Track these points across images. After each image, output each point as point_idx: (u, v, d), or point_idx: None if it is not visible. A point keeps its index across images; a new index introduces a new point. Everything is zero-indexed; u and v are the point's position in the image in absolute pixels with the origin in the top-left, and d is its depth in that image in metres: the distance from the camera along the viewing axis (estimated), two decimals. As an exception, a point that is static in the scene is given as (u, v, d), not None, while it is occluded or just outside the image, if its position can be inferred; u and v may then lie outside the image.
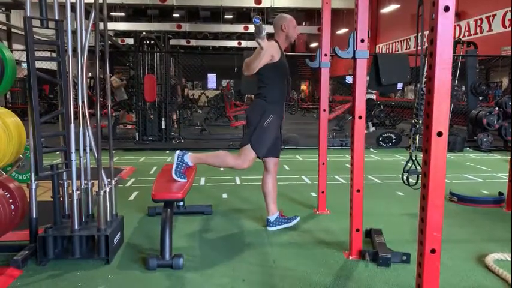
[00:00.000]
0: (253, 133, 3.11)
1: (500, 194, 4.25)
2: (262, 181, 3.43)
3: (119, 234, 3.00)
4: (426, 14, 1.86)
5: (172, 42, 20.90)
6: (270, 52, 2.94)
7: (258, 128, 3.11)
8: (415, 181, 3.43)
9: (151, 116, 8.80)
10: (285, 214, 3.55)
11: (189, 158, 3.11)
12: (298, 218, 3.51)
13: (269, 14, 23.36)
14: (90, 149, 2.88)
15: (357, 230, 2.83)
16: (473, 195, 4.37)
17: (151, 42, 9.07)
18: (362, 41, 2.71)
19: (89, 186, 2.92)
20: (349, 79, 19.20)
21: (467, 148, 8.07)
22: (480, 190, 4.83)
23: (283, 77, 3.23)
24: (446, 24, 1.70)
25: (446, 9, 1.70)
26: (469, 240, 3.24)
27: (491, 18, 12.54)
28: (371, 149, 7.99)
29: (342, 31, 21.64)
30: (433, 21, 1.73)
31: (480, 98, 9.32)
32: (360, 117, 2.76)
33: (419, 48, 3.43)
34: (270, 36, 2.88)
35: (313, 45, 28.02)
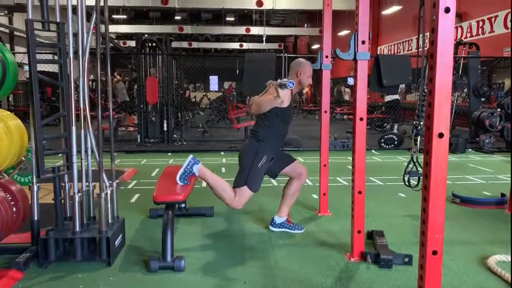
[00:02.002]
0: (248, 176, 3.11)
1: (503, 195, 4.24)
2: (286, 182, 3.45)
3: (120, 237, 3.00)
4: (427, 16, 1.85)
5: (174, 44, 20.93)
6: (282, 99, 2.93)
7: (252, 170, 3.11)
8: (416, 182, 3.43)
9: (153, 118, 8.80)
10: (291, 219, 3.53)
11: (198, 169, 3.09)
12: (303, 230, 3.45)
13: (270, 16, 23.41)
14: (92, 151, 2.89)
15: (359, 232, 2.82)
16: (476, 197, 4.36)
17: (153, 44, 9.08)
18: (363, 42, 2.71)
19: (91, 189, 2.93)
20: (350, 80, 19.19)
21: (470, 149, 8.05)
22: (482, 191, 4.82)
23: (285, 123, 3.25)
24: (446, 25, 1.70)
25: (447, 10, 1.70)
26: (471, 242, 3.23)
27: (493, 20, 12.51)
28: (373, 151, 7.98)
29: (344, 33, 21.63)
30: (433, 22, 1.73)
31: (482, 99, 9.29)
32: (361, 119, 2.76)
33: (420, 49, 3.43)
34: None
35: (315, 46, 28.01)
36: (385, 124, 11.60)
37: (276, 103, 2.88)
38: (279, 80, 2.72)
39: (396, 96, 11.51)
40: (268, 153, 3.16)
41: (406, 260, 2.75)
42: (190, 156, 3.13)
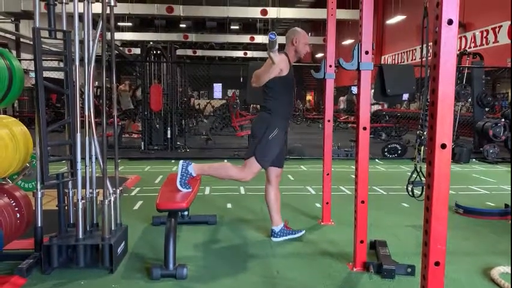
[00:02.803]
0: (257, 146, 3.12)
1: (506, 206, 4.22)
2: (264, 192, 3.44)
3: (123, 244, 3.00)
4: (431, 26, 1.87)
5: (179, 52, 21.04)
6: (280, 66, 2.96)
7: (262, 140, 3.11)
8: (419, 192, 3.42)
9: (157, 125, 8.83)
10: (290, 225, 3.53)
11: (193, 168, 3.12)
12: (304, 232, 3.47)
13: (275, 25, 23.51)
14: (96, 158, 2.90)
15: (361, 242, 2.82)
16: (479, 207, 4.34)
17: (158, 52, 9.14)
18: (366, 52, 2.72)
19: (94, 195, 2.94)
20: (354, 90, 19.21)
21: (474, 159, 8.02)
22: (486, 202, 4.79)
23: (289, 91, 3.24)
24: (449, 37, 1.71)
25: (450, 22, 1.71)
26: (474, 253, 3.22)
27: (497, 30, 12.54)
28: (376, 160, 7.97)
29: (348, 42, 21.70)
30: (436, 34, 1.74)
31: (486, 109, 9.28)
32: (364, 128, 2.76)
33: (423, 59, 3.44)
34: (281, 48, 2.90)
35: (319, 55, 28.10)
36: (381, 133, 11.69)
37: (274, 71, 2.89)
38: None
39: (378, 107, 11.76)
40: (280, 125, 3.16)
41: (409, 270, 2.74)
42: (181, 161, 3.15)
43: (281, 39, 2.68)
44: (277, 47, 2.66)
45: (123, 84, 11.38)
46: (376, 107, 12.19)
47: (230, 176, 3.17)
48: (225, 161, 7.73)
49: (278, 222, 3.42)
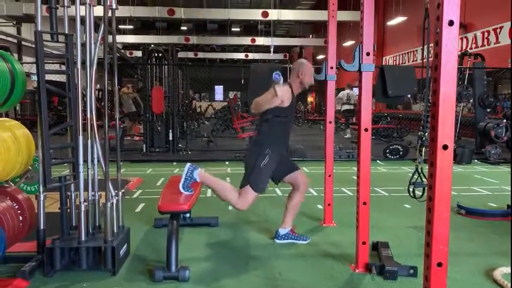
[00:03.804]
0: (251, 174, 3.13)
1: (509, 207, 4.21)
2: (288, 194, 3.46)
3: (125, 246, 3.01)
4: (432, 27, 1.87)
5: (180, 54, 21.08)
6: (281, 98, 2.96)
7: (255, 169, 3.13)
8: (421, 193, 3.42)
9: (159, 128, 8.85)
10: (295, 230, 3.52)
11: (198, 174, 3.12)
12: (308, 241, 3.44)
13: (276, 27, 23.54)
14: (98, 161, 2.91)
15: (364, 243, 2.81)
16: (481, 208, 4.34)
17: (160, 54, 9.16)
18: (368, 54, 2.72)
19: (96, 198, 2.95)
20: (356, 91, 19.19)
21: (475, 160, 8.01)
22: (488, 203, 4.79)
23: (287, 121, 3.27)
24: (450, 38, 1.72)
25: (451, 23, 1.71)
26: (476, 254, 3.21)
27: (498, 31, 12.53)
28: (378, 161, 7.97)
29: (349, 43, 21.71)
30: (437, 35, 1.75)
31: (488, 109, 9.27)
32: (366, 130, 2.77)
33: (425, 60, 3.44)
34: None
35: (320, 57, 28.11)
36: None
37: (275, 102, 2.89)
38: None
39: (350, 106, 12.60)
40: (271, 154, 3.16)
41: (411, 271, 2.74)
42: (188, 163, 3.16)
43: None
44: (282, 81, 2.69)
45: (126, 87, 11.40)
46: (346, 107, 12.56)
47: (227, 198, 3.14)
48: (227, 162, 7.75)
49: (287, 225, 3.43)
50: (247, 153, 3.31)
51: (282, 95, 2.84)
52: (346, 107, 12.74)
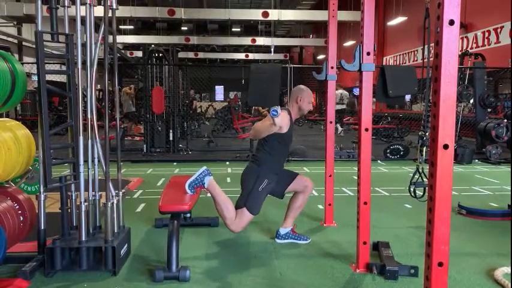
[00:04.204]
0: (248, 198, 3.12)
1: (509, 207, 4.21)
2: (292, 194, 3.46)
3: (126, 246, 3.01)
4: (433, 26, 1.87)
5: (181, 54, 21.08)
6: (280, 125, 2.95)
7: (252, 192, 3.13)
8: (422, 193, 3.42)
9: (159, 128, 8.85)
10: (296, 230, 3.52)
11: (208, 181, 3.10)
12: (309, 241, 3.44)
13: (276, 27, 23.54)
14: (99, 161, 2.91)
15: (364, 243, 2.81)
16: (482, 208, 4.33)
17: (160, 55, 9.16)
18: (368, 54, 2.72)
19: (97, 198, 2.95)
20: (356, 91, 19.20)
21: (476, 160, 8.01)
22: (489, 203, 4.78)
23: (285, 146, 3.30)
24: (451, 37, 1.72)
25: (451, 23, 1.71)
26: (477, 254, 3.21)
27: (498, 30, 12.52)
28: (379, 161, 7.96)
29: (349, 43, 21.70)
30: (438, 34, 1.75)
31: (488, 109, 9.26)
32: (366, 130, 2.76)
33: (425, 60, 3.44)
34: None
35: (321, 57, 28.11)
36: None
37: (274, 129, 2.91)
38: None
39: (343, 106, 13.16)
40: (270, 176, 3.19)
41: (412, 271, 2.74)
42: (204, 167, 3.15)
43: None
44: (279, 112, 2.69)
45: (129, 87, 11.40)
46: (338, 107, 12.75)
47: (224, 216, 3.11)
48: (227, 163, 7.75)
49: (288, 225, 3.44)
50: (245, 171, 3.29)
51: (280, 122, 2.84)
52: (338, 106, 13.03)
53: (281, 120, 2.88)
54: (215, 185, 3.13)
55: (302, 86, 3.35)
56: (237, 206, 3.14)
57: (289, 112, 3.23)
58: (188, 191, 3.04)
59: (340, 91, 13.07)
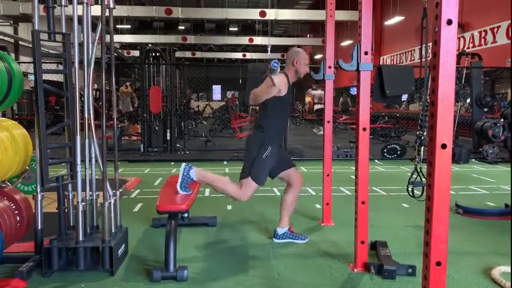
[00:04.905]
0: (252, 165, 3.12)
1: (506, 206, 4.22)
2: (284, 192, 3.46)
3: (123, 246, 3.00)
4: (431, 26, 1.87)
5: (178, 54, 21.04)
6: (279, 87, 2.95)
7: (256, 160, 3.12)
8: (420, 193, 3.42)
9: (157, 128, 8.83)
10: (293, 229, 3.52)
11: (194, 173, 3.11)
12: (306, 240, 3.44)
13: (273, 26, 23.54)
14: (96, 161, 2.90)
15: (362, 242, 2.81)
16: (479, 208, 4.34)
17: (157, 54, 9.14)
18: (366, 53, 2.72)
19: (94, 198, 2.94)
20: (353, 90, 19.22)
21: (473, 160, 8.02)
22: (486, 202, 4.79)
23: (285, 110, 3.29)
24: (449, 37, 1.72)
25: (449, 22, 1.71)
26: (475, 253, 3.22)
27: (495, 30, 12.56)
28: (376, 161, 7.97)
29: (347, 43, 21.73)
30: (436, 34, 1.75)
31: (485, 109, 9.29)
32: (364, 129, 2.76)
33: (423, 60, 3.44)
34: (282, 65, 2.88)
35: (318, 56, 28.13)
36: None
37: (273, 91, 2.90)
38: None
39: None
40: (273, 144, 3.16)
41: (410, 271, 2.74)
42: (183, 163, 3.16)
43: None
44: (279, 70, 2.68)
45: (125, 85, 11.37)
46: (318, 106, 12.87)
47: (227, 191, 3.15)
48: (225, 162, 7.75)
49: (284, 224, 3.43)
50: (249, 139, 3.29)
51: (279, 83, 2.83)
52: (318, 106, 13.17)
53: (279, 81, 2.87)
54: (202, 173, 3.15)
55: (297, 48, 3.33)
56: (242, 176, 3.15)
57: (286, 75, 3.22)
58: (183, 192, 3.04)
59: (319, 91, 13.18)
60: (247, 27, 26.73)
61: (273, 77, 2.71)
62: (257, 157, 3.11)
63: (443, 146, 1.76)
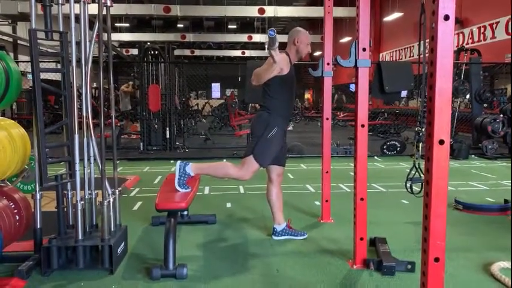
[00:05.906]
0: (256, 144, 3.11)
1: (506, 201, 4.22)
2: (266, 190, 3.43)
3: (122, 244, 3.00)
4: (428, 23, 1.87)
5: (177, 52, 20.99)
6: (280, 65, 2.93)
7: (261, 139, 3.10)
8: (419, 189, 3.42)
9: (156, 126, 8.82)
10: (292, 225, 3.51)
11: (191, 168, 3.10)
12: (306, 236, 3.43)
13: (272, 24, 23.50)
14: (94, 159, 2.90)
15: (361, 239, 2.82)
16: (479, 203, 4.34)
17: (156, 52, 9.13)
18: (364, 50, 2.72)
19: (93, 197, 2.94)
20: (352, 87, 19.18)
21: (472, 155, 8.03)
22: (485, 198, 4.80)
23: (290, 90, 3.23)
24: (446, 32, 1.71)
25: (446, 18, 1.71)
26: (474, 249, 3.22)
27: (494, 26, 12.54)
28: (375, 157, 7.98)
29: (345, 39, 21.70)
30: (433, 30, 1.74)
31: (485, 105, 9.29)
32: (362, 126, 2.76)
33: (421, 56, 3.43)
34: (282, 47, 2.87)
35: (317, 53, 28.09)
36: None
37: (275, 70, 2.88)
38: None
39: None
40: (279, 124, 3.15)
41: (409, 267, 2.74)
42: (178, 161, 3.15)
43: (280, 38, 2.67)
44: (277, 44, 2.65)
45: (126, 85, 11.36)
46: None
47: (229, 174, 3.16)
48: (224, 160, 7.75)
49: (281, 221, 3.42)
50: (255, 119, 3.26)
51: (279, 60, 2.80)
52: None
53: (280, 58, 2.84)
54: (199, 166, 3.16)
55: (298, 28, 3.30)
56: (244, 155, 3.15)
57: (287, 54, 3.19)
58: (182, 190, 3.03)
59: None
60: (246, 25, 26.64)
61: (273, 53, 2.69)
62: (262, 136, 3.10)
63: (441, 142, 1.76)
